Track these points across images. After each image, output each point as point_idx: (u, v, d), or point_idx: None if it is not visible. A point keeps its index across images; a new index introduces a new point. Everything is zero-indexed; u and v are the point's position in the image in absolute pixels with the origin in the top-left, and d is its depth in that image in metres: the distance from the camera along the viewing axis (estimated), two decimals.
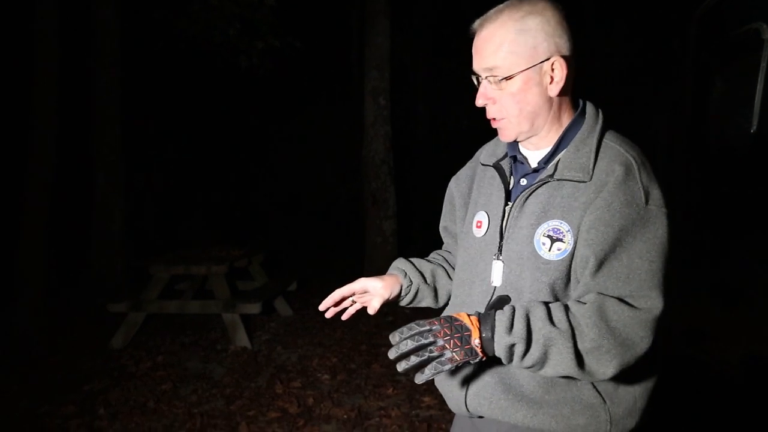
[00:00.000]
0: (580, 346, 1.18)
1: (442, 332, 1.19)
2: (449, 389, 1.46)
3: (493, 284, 1.38)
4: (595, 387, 1.29)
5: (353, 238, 8.81)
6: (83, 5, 7.15)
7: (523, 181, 1.40)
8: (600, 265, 1.22)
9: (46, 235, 6.09)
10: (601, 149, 1.32)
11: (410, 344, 1.18)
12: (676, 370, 3.69)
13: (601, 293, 1.21)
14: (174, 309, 5.34)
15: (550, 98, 1.33)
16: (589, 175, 1.28)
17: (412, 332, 1.19)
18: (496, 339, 1.19)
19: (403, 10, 9.88)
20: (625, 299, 1.20)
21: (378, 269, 7.73)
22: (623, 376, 1.29)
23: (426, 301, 1.65)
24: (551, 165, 1.34)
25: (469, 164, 1.64)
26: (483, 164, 1.54)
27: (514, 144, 1.44)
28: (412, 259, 1.64)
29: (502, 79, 1.29)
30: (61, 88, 6.26)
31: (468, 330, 1.19)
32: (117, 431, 3.62)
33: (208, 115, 10.95)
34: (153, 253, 6.17)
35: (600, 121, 1.36)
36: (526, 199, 1.34)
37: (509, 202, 1.40)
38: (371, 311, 1.50)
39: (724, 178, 3.67)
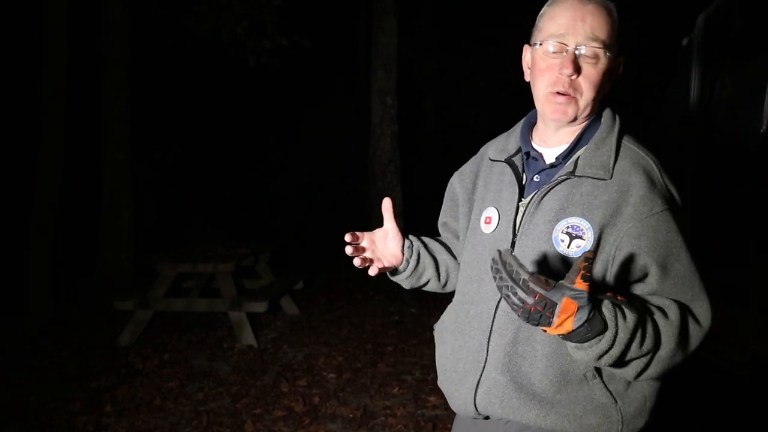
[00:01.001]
0: (655, 356, 1.20)
1: (532, 288, 1.05)
2: (455, 388, 1.44)
3: None
4: (606, 387, 1.28)
5: None
6: (92, 3, 7.18)
7: (537, 178, 1.39)
8: (664, 270, 1.23)
9: (54, 232, 6.11)
10: (621, 149, 1.33)
11: (504, 281, 1.07)
12: (685, 371, 3.68)
13: (674, 300, 1.24)
14: (181, 307, 5.35)
15: (604, 93, 1.36)
16: (609, 174, 1.28)
17: (512, 272, 1.07)
18: (617, 344, 1.12)
19: (410, 9, 9.87)
20: (689, 305, 1.25)
21: None
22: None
23: (428, 273, 1.59)
24: (570, 162, 1.34)
25: (473, 160, 1.63)
26: (492, 159, 1.52)
27: (527, 139, 1.44)
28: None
29: (606, 52, 1.28)
30: (70, 85, 6.28)
31: (556, 306, 1.05)
32: (123, 428, 3.63)
33: (215, 113, 10.97)
34: (160, 251, 6.19)
35: (617, 122, 1.37)
36: (544, 195, 1.32)
37: (523, 198, 1.38)
38: (372, 272, 1.50)
39: (732, 178, 3.64)
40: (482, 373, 1.37)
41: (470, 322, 1.42)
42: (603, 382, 1.28)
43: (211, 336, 5.42)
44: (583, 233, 1.26)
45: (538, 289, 1.04)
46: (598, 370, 1.28)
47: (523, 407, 1.31)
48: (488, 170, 1.53)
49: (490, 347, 1.35)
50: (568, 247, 1.27)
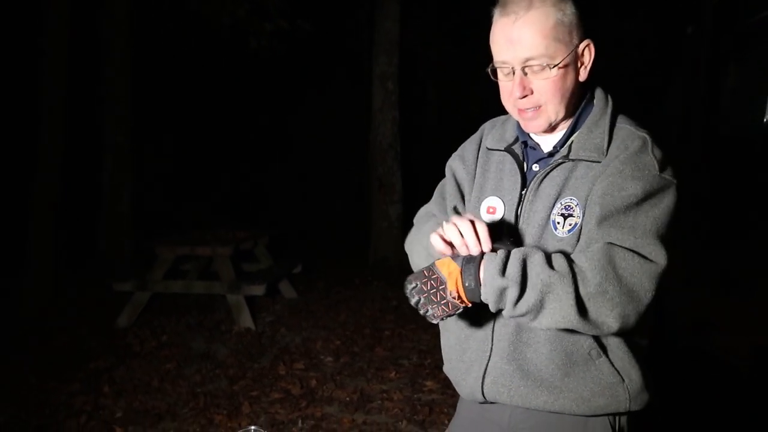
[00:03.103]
0: (582, 291, 1.13)
1: (419, 289, 1.20)
2: (462, 377, 1.43)
3: None
4: (612, 365, 1.27)
5: (359, 222, 8.81)
6: None
7: (536, 167, 1.38)
8: (606, 217, 1.19)
9: (55, 215, 6.10)
10: (615, 130, 1.31)
11: (411, 300, 1.22)
12: (683, 360, 3.68)
13: (609, 242, 1.17)
14: (179, 288, 5.36)
15: (580, 83, 1.32)
16: (603, 155, 1.27)
17: (406, 291, 1.23)
18: (488, 282, 1.15)
19: None
20: (633, 248, 1.17)
21: (384, 254, 7.76)
22: (634, 349, 1.29)
23: None
24: (565, 147, 1.33)
25: (471, 145, 1.56)
26: (489, 148, 1.49)
27: (524, 130, 1.42)
28: None
29: (548, 67, 1.25)
30: (70, 67, 6.24)
31: (443, 283, 1.18)
32: (121, 409, 3.64)
33: (216, 98, 10.92)
34: (160, 234, 6.18)
35: (610, 103, 1.36)
36: (541, 182, 1.32)
37: (525, 188, 1.37)
38: None
39: (735, 167, 3.63)
40: (488, 362, 1.36)
41: (474, 311, 1.41)
42: (609, 360, 1.27)
43: (209, 318, 5.42)
44: (573, 210, 1.26)
45: (416, 285, 1.21)
46: (603, 348, 1.27)
47: (531, 394, 1.30)
48: (485, 158, 1.50)
49: (494, 337, 1.35)
50: (563, 227, 1.27)
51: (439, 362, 1.35)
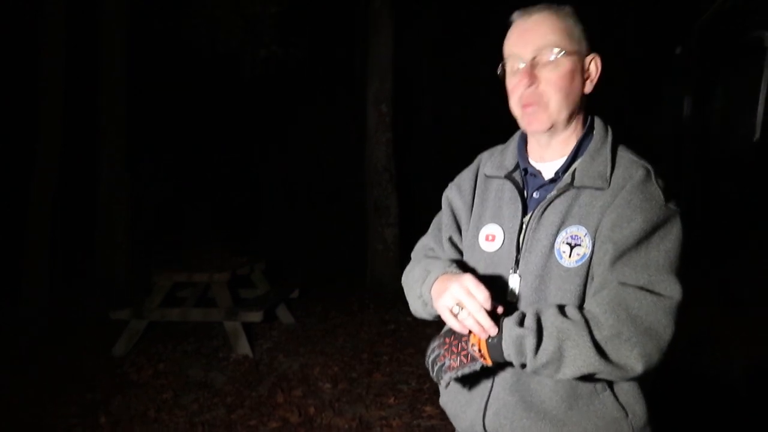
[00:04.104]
0: (597, 336, 1.14)
1: (445, 341, 1.23)
2: (462, 409, 1.41)
3: (511, 299, 1.34)
4: (617, 399, 1.27)
5: (355, 246, 8.81)
6: (89, 14, 7.19)
7: (536, 194, 1.38)
8: (619, 256, 1.20)
9: (49, 241, 6.09)
10: (617, 158, 1.33)
11: (430, 357, 1.26)
12: (678, 376, 3.67)
13: (621, 282, 1.19)
14: (176, 317, 5.33)
15: (583, 95, 1.35)
16: (607, 183, 1.28)
17: (431, 348, 1.27)
18: (506, 333, 1.17)
19: (406, 18, 9.89)
20: (645, 287, 1.17)
21: (380, 277, 7.73)
22: (640, 383, 1.29)
23: None
24: (568, 174, 1.34)
25: (468, 174, 1.57)
26: (488, 176, 1.49)
27: (525, 156, 1.43)
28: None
29: (559, 54, 1.29)
30: (67, 95, 6.28)
31: (466, 335, 1.21)
32: None
33: (212, 123, 10.97)
34: (156, 259, 6.16)
35: (610, 133, 1.38)
36: (545, 209, 1.32)
37: (526, 215, 1.37)
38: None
39: (726, 185, 3.66)
40: (490, 393, 1.35)
41: None
42: (614, 394, 1.27)
43: (206, 346, 5.39)
44: (581, 240, 1.26)
45: (441, 338, 1.27)
46: (609, 382, 1.26)
47: (534, 427, 1.29)
48: (483, 186, 1.50)
49: (497, 367, 1.32)
50: (570, 257, 1.27)
51: (438, 387, 1.35)
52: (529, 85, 1.31)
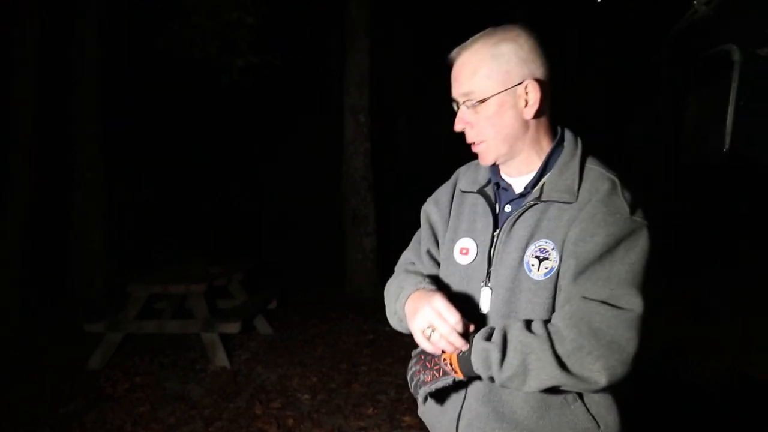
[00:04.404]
0: (559, 350, 1.17)
1: (420, 357, 1.26)
2: (437, 420, 1.44)
3: (483, 311, 1.37)
4: (588, 410, 1.29)
5: (333, 256, 8.79)
6: (63, 21, 7.11)
7: (508, 208, 1.41)
8: (581, 271, 1.23)
9: (21, 252, 5.99)
10: (585, 171, 1.35)
11: (409, 373, 1.30)
12: (654, 387, 3.72)
13: (583, 297, 1.21)
14: (152, 329, 5.26)
15: (527, 121, 1.35)
16: (574, 197, 1.30)
17: (411, 362, 1.31)
18: (473, 348, 1.21)
19: (384, 28, 9.94)
20: (607, 301, 1.20)
21: (359, 286, 7.73)
22: (613, 394, 1.31)
23: None
24: (536, 189, 1.36)
25: (446, 189, 1.61)
26: (463, 191, 1.53)
27: (497, 170, 1.45)
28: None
29: (477, 103, 1.33)
30: (40, 101, 6.20)
31: (438, 354, 1.25)
32: None
33: (188, 133, 10.90)
34: (133, 271, 6.09)
35: (580, 145, 1.40)
36: (514, 223, 1.35)
37: (497, 229, 1.40)
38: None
39: (699, 195, 3.73)
40: (463, 404, 1.37)
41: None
42: (585, 405, 1.29)
43: (183, 358, 5.33)
44: (549, 254, 1.29)
45: (417, 354, 1.30)
46: (580, 393, 1.28)
47: None
48: (460, 200, 1.54)
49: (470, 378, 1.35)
50: (538, 270, 1.29)
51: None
52: (460, 131, 1.40)
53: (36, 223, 6.43)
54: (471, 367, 1.23)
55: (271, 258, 9.71)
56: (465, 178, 1.56)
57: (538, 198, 1.33)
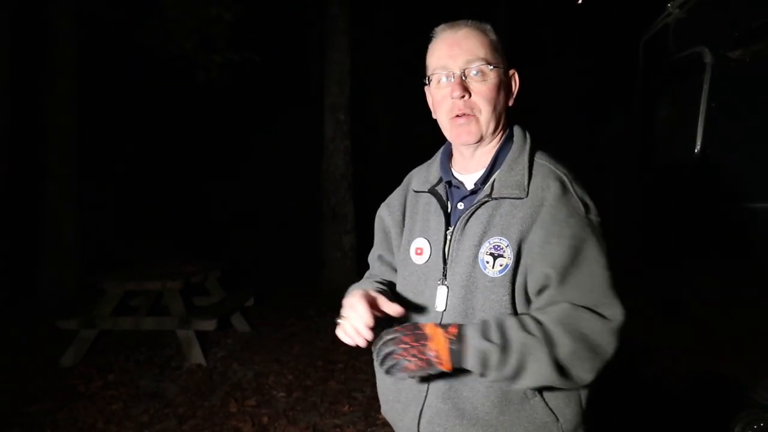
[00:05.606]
0: (557, 354, 1.20)
1: (403, 340, 1.23)
2: (399, 417, 1.45)
3: (439, 309, 1.38)
4: (547, 404, 1.31)
5: (312, 253, 8.78)
6: (37, 12, 7.01)
7: (461, 205, 1.42)
8: (563, 276, 1.25)
9: None
10: (534, 167, 1.37)
11: (382, 350, 1.25)
12: (624, 384, 3.77)
13: (571, 303, 1.24)
14: (128, 325, 5.22)
15: (506, 108, 1.41)
16: (525, 192, 1.32)
17: (382, 340, 1.26)
18: (471, 345, 1.20)
19: (363, 26, 9.93)
20: (593, 309, 1.24)
21: (337, 285, 7.72)
22: (573, 391, 1.33)
23: None
24: (487, 186, 1.38)
25: (398, 191, 1.64)
26: (416, 191, 1.54)
27: (447, 168, 1.47)
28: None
29: (489, 67, 1.34)
30: (13, 94, 6.11)
31: (426, 339, 1.22)
32: None
33: (165, 127, 10.81)
34: (109, 267, 6.03)
35: (528, 141, 1.42)
36: (467, 221, 1.36)
37: (450, 227, 1.41)
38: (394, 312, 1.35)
39: (670, 196, 3.78)
40: (424, 401, 1.38)
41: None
42: (544, 399, 1.31)
43: (158, 355, 5.29)
44: (503, 251, 1.30)
45: (400, 334, 1.24)
46: (538, 388, 1.30)
47: None
48: (413, 201, 1.55)
49: (431, 376, 1.36)
50: (493, 267, 1.31)
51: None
52: (461, 96, 1.35)
53: (7, 217, 6.33)
54: (461, 361, 1.22)
55: (249, 255, 9.68)
56: (417, 178, 1.57)
57: (489, 195, 1.35)
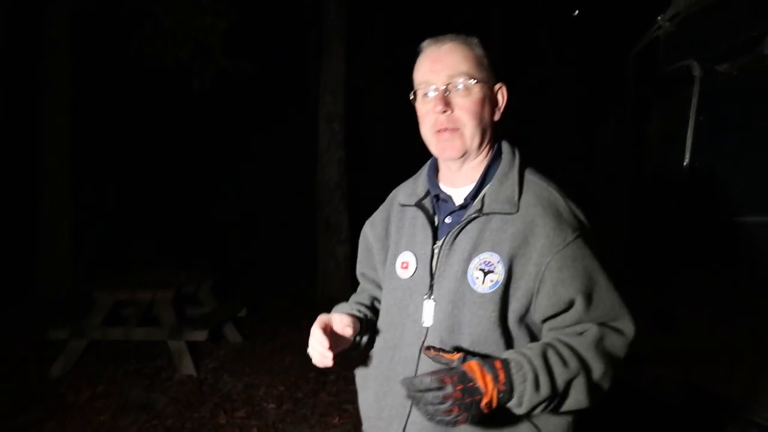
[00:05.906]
0: (592, 377, 1.24)
1: (453, 395, 1.14)
2: None
3: (425, 324, 1.36)
4: (530, 419, 1.30)
5: (306, 264, 8.76)
6: (34, 13, 7.02)
7: (448, 220, 1.41)
8: (588, 298, 1.28)
9: None
10: (524, 182, 1.37)
11: (430, 403, 1.15)
12: (615, 396, 3.76)
13: (596, 322, 1.29)
14: (118, 336, 5.19)
15: (493, 123, 1.40)
16: (515, 207, 1.32)
17: (424, 387, 1.16)
18: (526, 401, 1.19)
19: (359, 36, 9.96)
20: (614, 326, 1.29)
21: (331, 294, 7.71)
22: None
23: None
24: (477, 200, 1.37)
25: (382, 207, 1.63)
26: (402, 205, 1.53)
27: (435, 182, 1.46)
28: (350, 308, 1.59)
29: (471, 81, 1.34)
30: (7, 101, 6.11)
31: (480, 393, 1.15)
32: None
33: (160, 136, 10.81)
34: (100, 276, 6.01)
35: (517, 156, 1.42)
36: (456, 236, 1.35)
37: (437, 241, 1.40)
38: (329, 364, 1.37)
39: (661, 209, 3.78)
40: (408, 418, 1.37)
41: (394, 367, 1.41)
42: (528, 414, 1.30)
43: (149, 366, 5.26)
44: (494, 267, 1.30)
45: (450, 389, 1.14)
46: None
47: None
48: (399, 215, 1.54)
49: None
50: (483, 283, 1.30)
51: None
52: (444, 111, 1.35)
53: (1, 225, 6.32)
54: (506, 405, 1.20)
55: (243, 265, 9.66)
56: (403, 192, 1.56)
57: (480, 210, 1.34)
